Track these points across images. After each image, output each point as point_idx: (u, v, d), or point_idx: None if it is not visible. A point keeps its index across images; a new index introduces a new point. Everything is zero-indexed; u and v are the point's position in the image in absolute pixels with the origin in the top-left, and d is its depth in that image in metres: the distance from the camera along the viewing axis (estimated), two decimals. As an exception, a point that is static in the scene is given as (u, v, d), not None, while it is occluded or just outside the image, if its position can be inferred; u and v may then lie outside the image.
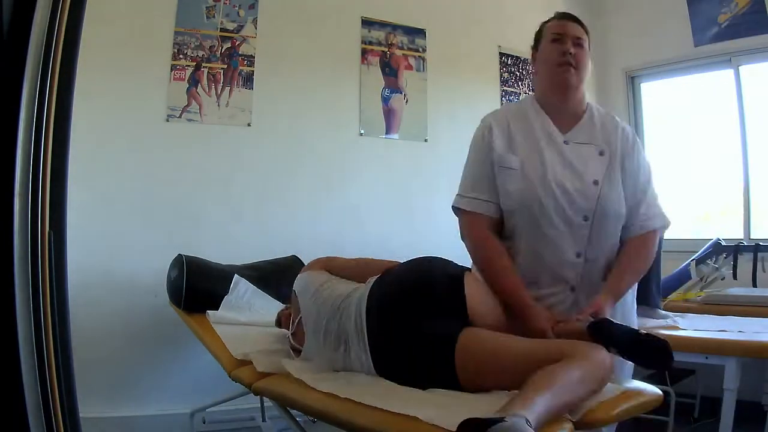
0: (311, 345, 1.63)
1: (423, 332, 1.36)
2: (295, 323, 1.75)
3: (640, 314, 2.60)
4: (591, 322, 1.33)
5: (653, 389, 1.44)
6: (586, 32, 1.68)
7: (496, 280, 1.53)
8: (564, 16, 1.68)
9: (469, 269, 1.57)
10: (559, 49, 1.62)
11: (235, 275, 2.44)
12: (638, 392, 1.40)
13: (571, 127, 1.63)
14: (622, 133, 1.65)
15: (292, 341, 1.75)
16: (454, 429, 1.02)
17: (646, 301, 2.62)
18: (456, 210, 1.66)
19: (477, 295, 1.45)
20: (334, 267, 1.80)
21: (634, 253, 1.60)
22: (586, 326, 1.32)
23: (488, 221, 1.60)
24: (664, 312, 2.66)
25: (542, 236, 1.54)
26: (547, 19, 1.73)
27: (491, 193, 1.60)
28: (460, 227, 1.66)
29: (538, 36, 1.72)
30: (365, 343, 1.44)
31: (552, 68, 1.63)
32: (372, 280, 1.55)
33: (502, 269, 1.54)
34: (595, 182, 1.55)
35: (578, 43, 1.63)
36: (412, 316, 1.39)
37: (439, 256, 1.61)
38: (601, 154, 1.60)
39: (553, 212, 1.53)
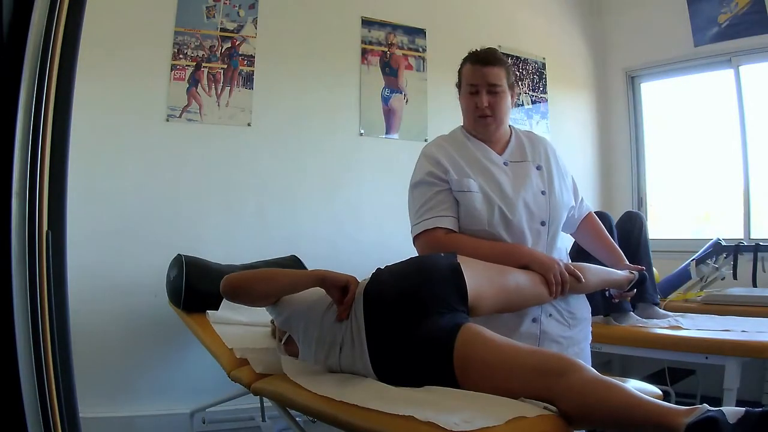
0: (304, 353, 1.63)
1: (422, 332, 1.35)
2: (285, 336, 1.74)
3: (640, 313, 2.62)
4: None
5: (652, 388, 1.45)
6: (503, 63, 1.75)
7: (492, 252, 1.65)
8: (479, 61, 1.74)
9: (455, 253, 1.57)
10: (474, 102, 1.74)
11: (235, 275, 2.44)
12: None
13: (503, 150, 1.80)
14: (549, 149, 1.86)
15: (285, 351, 1.74)
16: (453, 429, 1.02)
17: (643, 298, 2.63)
18: (415, 240, 1.77)
19: (474, 276, 1.46)
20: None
21: (598, 230, 1.99)
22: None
23: (445, 230, 1.71)
24: (664, 312, 2.66)
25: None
26: (466, 56, 1.80)
27: (449, 210, 1.71)
28: (421, 253, 1.75)
29: (459, 78, 1.82)
30: (363, 345, 1.43)
31: (472, 118, 1.78)
32: (365, 281, 1.53)
33: (490, 244, 1.68)
34: (543, 192, 1.74)
35: (493, 90, 1.72)
36: (413, 315, 1.38)
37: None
38: (538, 168, 1.78)
39: (518, 224, 1.69)
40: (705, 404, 1.05)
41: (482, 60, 1.73)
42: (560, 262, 1.67)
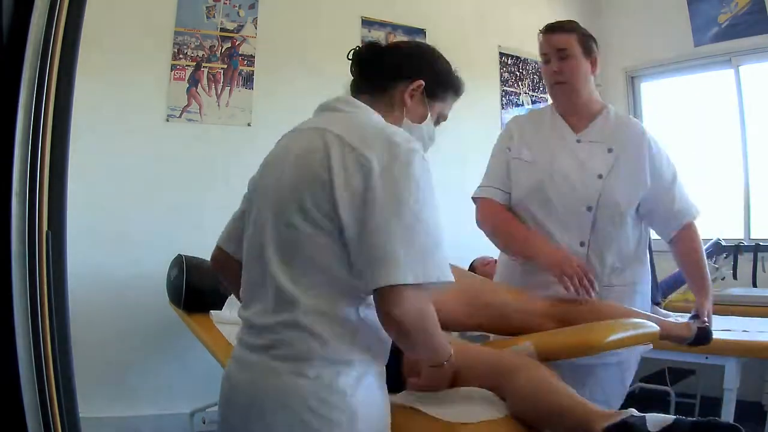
0: None
1: None
2: None
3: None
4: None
5: (651, 325, 1.45)
6: (573, 30, 1.71)
7: (517, 235, 1.67)
8: (546, 30, 1.73)
9: None
10: (547, 70, 1.73)
11: (238, 276, 2.44)
12: (635, 324, 1.42)
13: (584, 127, 1.72)
14: (636, 131, 1.73)
15: None
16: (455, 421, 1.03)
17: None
18: (474, 200, 1.79)
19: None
20: None
21: (695, 257, 1.74)
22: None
23: (497, 204, 1.73)
24: (665, 311, 2.66)
25: (548, 224, 1.65)
26: (540, 30, 1.78)
27: (502, 183, 1.73)
28: (475, 215, 1.78)
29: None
30: None
31: (549, 89, 1.77)
32: None
33: (516, 228, 1.68)
34: (600, 176, 1.64)
35: (562, 55, 1.68)
36: None
37: None
38: (610, 151, 1.67)
39: (556, 200, 1.64)
40: (632, 409, 1.03)
41: (550, 28, 1.72)
42: (577, 259, 1.54)
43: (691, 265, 1.74)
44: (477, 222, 1.78)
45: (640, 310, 1.59)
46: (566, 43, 1.68)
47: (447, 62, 1.26)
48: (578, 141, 1.70)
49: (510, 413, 1.11)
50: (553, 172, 1.65)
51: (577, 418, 1.05)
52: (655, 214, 1.72)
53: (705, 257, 1.79)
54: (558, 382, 1.14)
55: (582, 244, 1.63)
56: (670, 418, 0.98)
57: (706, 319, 1.61)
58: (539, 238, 1.64)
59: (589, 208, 1.62)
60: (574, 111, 1.73)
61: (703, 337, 1.58)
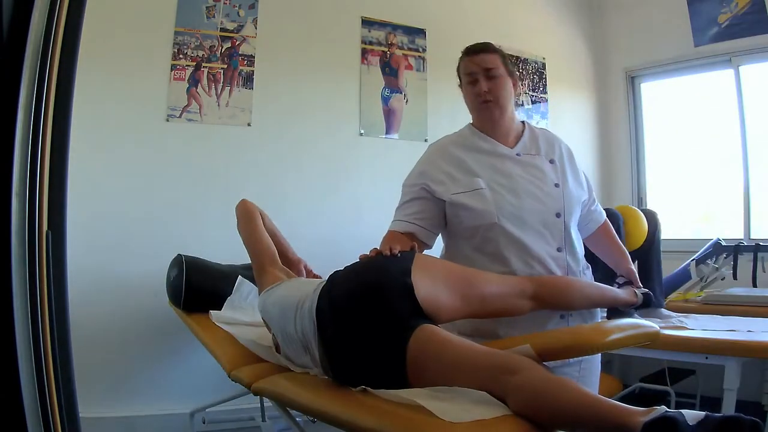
0: (286, 353, 1.64)
1: (372, 339, 1.33)
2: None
3: (645, 315, 2.62)
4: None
5: (650, 325, 1.48)
6: (497, 51, 1.76)
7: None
8: (471, 52, 1.75)
9: (415, 252, 1.52)
10: (474, 91, 1.74)
11: (239, 276, 2.44)
12: (634, 325, 1.44)
13: (516, 143, 1.77)
14: (564, 147, 1.83)
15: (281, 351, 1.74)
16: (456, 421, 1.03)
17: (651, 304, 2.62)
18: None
19: (425, 280, 1.39)
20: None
21: (611, 236, 1.97)
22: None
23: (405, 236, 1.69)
24: (667, 312, 2.66)
25: (524, 240, 1.64)
26: (461, 53, 1.80)
27: (424, 221, 1.71)
28: None
29: (458, 74, 1.82)
30: (317, 348, 1.42)
31: (475, 108, 1.77)
32: (322, 282, 1.51)
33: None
34: (557, 185, 1.71)
35: (489, 75, 1.72)
36: (361, 322, 1.35)
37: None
38: (552, 162, 1.76)
39: (528, 216, 1.65)
40: (663, 406, 1.03)
41: (474, 50, 1.75)
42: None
43: (608, 241, 1.96)
44: None
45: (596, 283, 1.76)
46: (493, 63, 1.72)
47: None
48: (518, 155, 1.73)
49: (513, 411, 1.10)
50: (516, 189, 1.66)
51: (605, 412, 1.04)
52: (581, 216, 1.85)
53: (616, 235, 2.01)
54: (569, 380, 1.15)
55: (559, 249, 1.66)
56: (701, 413, 0.99)
57: (640, 284, 1.84)
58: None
59: (558, 215, 1.68)
60: (501, 129, 1.77)
61: (647, 300, 1.80)
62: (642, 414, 1.01)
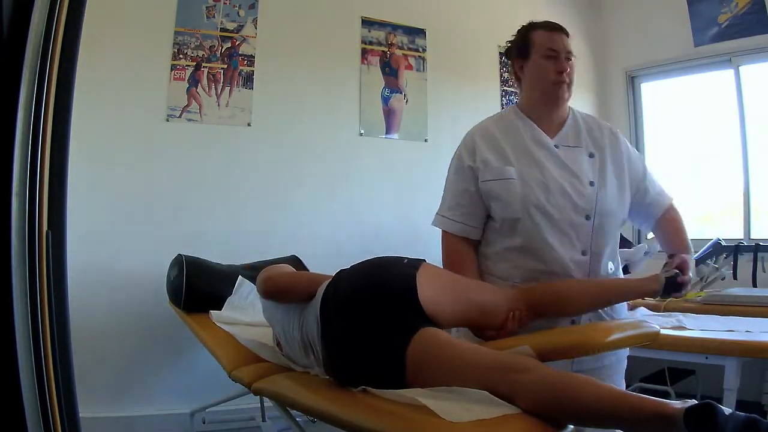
0: (288, 353, 1.65)
1: (374, 337, 1.33)
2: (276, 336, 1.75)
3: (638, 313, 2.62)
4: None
5: (651, 325, 1.46)
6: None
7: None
8: (555, 28, 1.69)
9: (424, 260, 1.52)
10: (554, 67, 1.64)
11: (239, 276, 2.44)
12: (634, 324, 1.43)
13: (557, 132, 1.68)
14: (608, 133, 1.72)
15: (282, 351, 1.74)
16: (458, 421, 1.03)
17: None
18: (438, 224, 1.73)
19: (429, 286, 1.40)
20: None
21: (675, 225, 1.75)
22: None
23: (464, 242, 1.67)
24: (668, 312, 2.66)
25: (548, 238, 1.57)
26: (529, 24, 1.74)
27: (469, 216, 1.67)
28: (443, 249, 1.73)
29: (525, 44, 1.72)
30: (320, 344, 1.43)
31: (547, 85, 1.66)
32: (325, 283, 1.51)
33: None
34: (591, 183, 1.61)
35: (570, 58, 1.67)
36: (364, 320, 1.36)
37: (395, 255, 1.57)
38: (591, 156, 1.65)
39: (556, 214, 1.57)
40: (692, 399, 1.04)
41: (557, 27, 1.69)
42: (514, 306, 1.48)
43: (673, 229, 1.75)
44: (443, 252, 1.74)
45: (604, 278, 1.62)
46: (571, 47, 1.67)
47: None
48: (556, 146, 1.65)
49: (523, 410, 1.09)
50: (546, 184, 1.59)
51: (641, 405, 1.05)
52: (633, 211, 1.72)
53: (686, 229, 1.77)
54: (586, 377, 1.14)
55: (584, 253, 1.59)
56: (727, 409, 1.00)
57: (676, 269, 1.54)
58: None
59: (588, 217, 1.59)
60: (553, 115, 1.69)
61: (671, 285, 1.52)
62: (676, 404, 1.02)
